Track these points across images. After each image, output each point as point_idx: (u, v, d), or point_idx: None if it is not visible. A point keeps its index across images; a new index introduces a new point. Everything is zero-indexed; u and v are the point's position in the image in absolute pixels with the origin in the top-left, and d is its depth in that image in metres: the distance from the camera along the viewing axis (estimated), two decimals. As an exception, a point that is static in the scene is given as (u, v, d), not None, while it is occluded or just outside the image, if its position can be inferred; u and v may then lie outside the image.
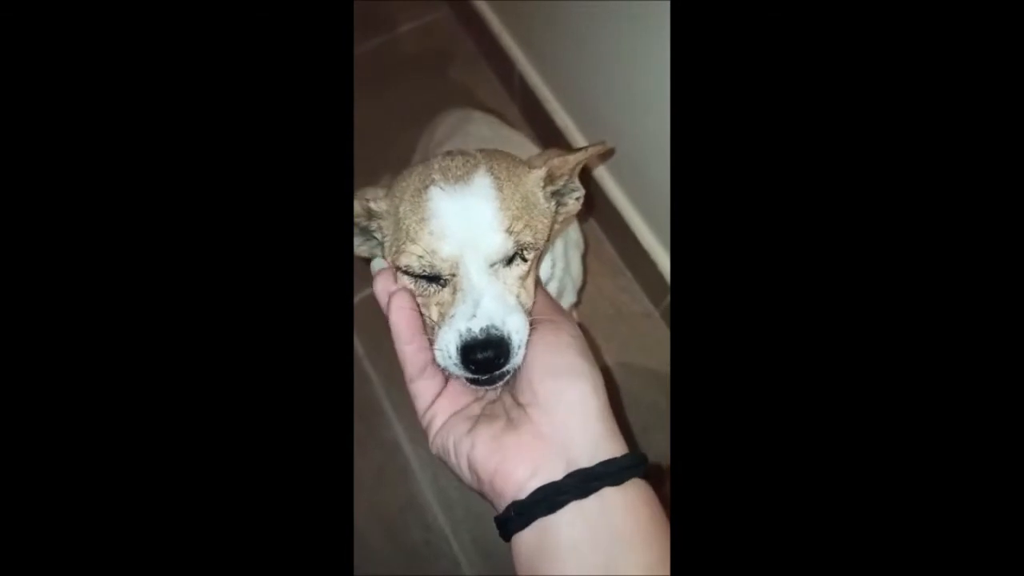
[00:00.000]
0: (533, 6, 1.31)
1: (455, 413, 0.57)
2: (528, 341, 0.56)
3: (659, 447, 1.20)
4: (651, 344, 1.33)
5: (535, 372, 0.52)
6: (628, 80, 1.10)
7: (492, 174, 0.62)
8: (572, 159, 0.68)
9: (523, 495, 0.46)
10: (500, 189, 0.62)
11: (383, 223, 0.65)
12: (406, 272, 0.61)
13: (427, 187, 0.61)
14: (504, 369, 0.58)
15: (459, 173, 0.62)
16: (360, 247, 0.70)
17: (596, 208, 1.37)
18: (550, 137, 1.40)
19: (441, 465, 1.25)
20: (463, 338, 0.58)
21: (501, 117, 1.20)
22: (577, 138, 1.34)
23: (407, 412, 1.28)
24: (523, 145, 1.07)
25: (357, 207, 0.65)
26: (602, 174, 1.30)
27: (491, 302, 0.59)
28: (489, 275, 0.61)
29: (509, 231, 0.60)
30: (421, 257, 0.60)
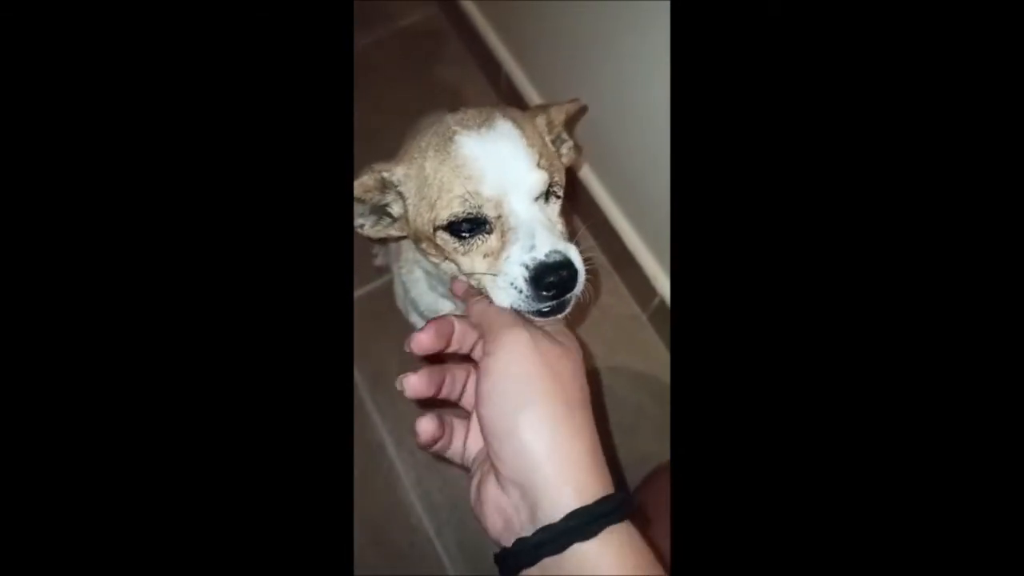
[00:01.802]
0: (520, 7, 1.31)
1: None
2: (479, 370, 0.50)
3: (645, 450, 1.20)
4: (638, 346, 1.33)
5: (483, 412, 0.46)
6: (616, 83, 1.10)
7: (509, 117, 0.64)
8: (564, 108, 0.72)
9: (502, 546, 0.45)
10: (522, 129, 0.63)
11: (403, 188, 0.65)
12: (448, 227, 0.61)
13: (451, 138, 0.61)
14: (572, 294, 0.59)
15: (479, 120, 0.63)
16: (373, 227, 0.69)
17: (583, 210, 1.36)
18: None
19: (425, 467, 1.26)
20: (531, 268, 0.58)
21: None
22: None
23: (392, 414, 1.28)
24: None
25: (368, 181, 0.65)
26: (589, 176, 1.30)
27: (544, 231, 0.60)
28: (535, 209, 0.61)
29: (539, 166, 0.61)
30: (465, 200, 0.59)
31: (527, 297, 0.58)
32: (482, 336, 0.51)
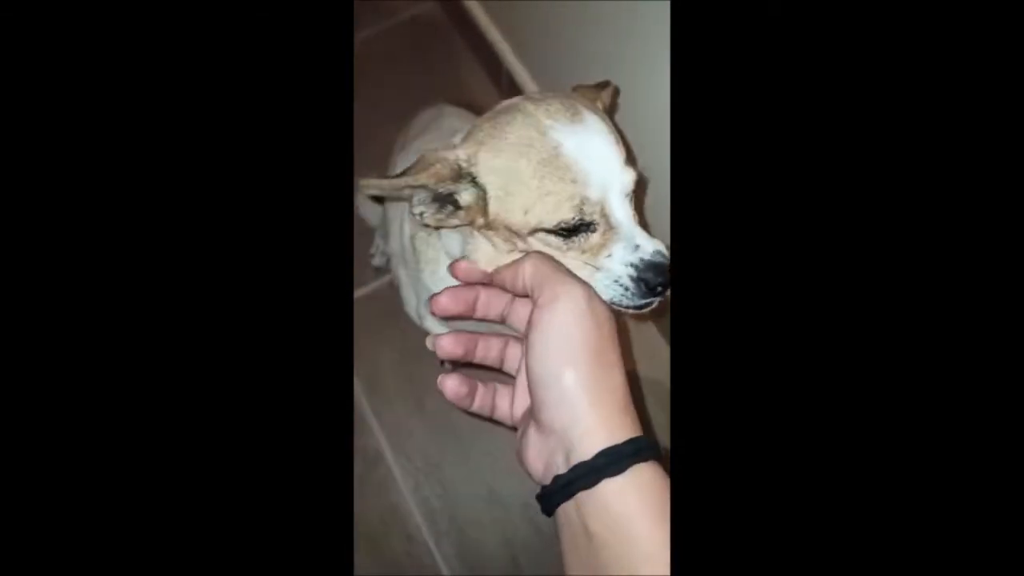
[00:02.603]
0: (522, 4, 1.29)
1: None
2: (529, 321, 0.51)
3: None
4: (643, 350, 1.31)
5: (531, 363, 0.49)
6: (620, 80, 1.08)
7: (593, 110, 0.63)
8: (610, 91, 0.75)
9: (545, 485, 0.49)
10: (606, 123, 0.62)
11: (484, 180, 0.62)
12: (551, 230, 0.60)
13: (545, 133, 0.59)
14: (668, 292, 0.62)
15: (569, 114, 0.61)
16: (434, 216, 0.64)
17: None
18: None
19: (423, 473, 1.25)
20: (639, 268, 0.61)
21: (472, 109, 1.17)
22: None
23: (389, 419, 1.26)
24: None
25: (443, 170, 0.61)
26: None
27: (641, 231, 0.61)
28: (628, 207, 0.62)
29: (627, 163, 0.61)
30: (577, 207, 0.59)
31: (632, 295, 0.61)
32: (534, 290, 0.52)
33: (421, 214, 0.64)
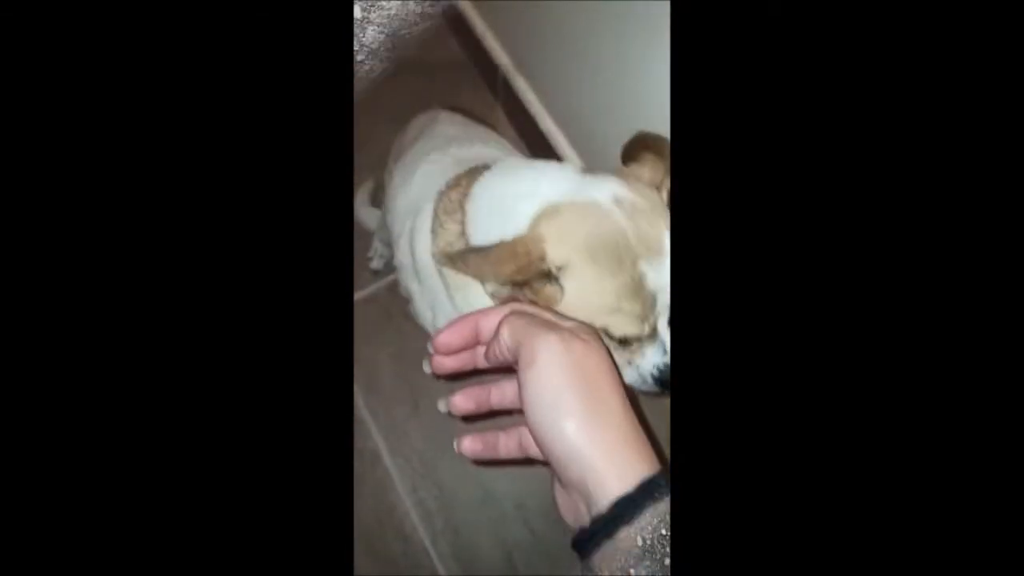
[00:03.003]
0: (518, 7, 1.30)
1: None
2: (518, 383, 0.51)
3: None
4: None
5: (531, 427, 0.49)
6: (616, 85, 1.09)
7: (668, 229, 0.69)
8: (664, 169, 0.75)
9: (574, 537, 0.49)
10: None
11: (570, 285, 0.66)
12: (613, 337, 0.67)
13: (636, 263, 0.64)
14: None
15: (657, 244, 0.66)
16: (503, 292, 0.69)
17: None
18: (534, 142, 1.39)
19: (420, 475, 1.25)
20: (661, 371, 0.70)
21: (466, 114, 1.19)
22: (561, 144, 1.33)
23: (385, 421, 1.27)
24: (489, 135, 1.07)
25: (531, 270, 0.65)
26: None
27: (668, 336, 0.69)
28: (666, 316, 0.69)
29: None
30: (643, 327, 0.66)
31: (650, 386, 0.70)
32: (513, 352, 0.52)
33: (493, 294, 0.71)
